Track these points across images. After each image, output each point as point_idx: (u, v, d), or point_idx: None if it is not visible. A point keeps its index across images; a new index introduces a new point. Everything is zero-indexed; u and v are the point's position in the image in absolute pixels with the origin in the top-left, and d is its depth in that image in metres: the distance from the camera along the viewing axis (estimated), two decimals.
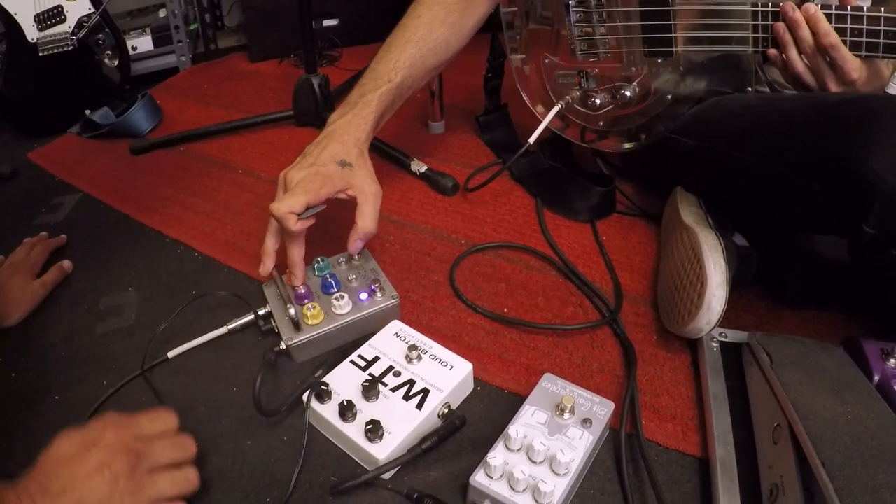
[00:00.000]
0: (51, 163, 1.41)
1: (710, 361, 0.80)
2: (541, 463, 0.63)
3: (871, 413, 0.65)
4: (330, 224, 0.96)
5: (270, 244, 0.85)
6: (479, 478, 0.62)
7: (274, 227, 0.84)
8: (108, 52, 1.57)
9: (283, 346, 0.80)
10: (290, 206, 0.80)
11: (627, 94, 1.03)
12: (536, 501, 0.59)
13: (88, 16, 1.51)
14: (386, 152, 1.28)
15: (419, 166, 1.22)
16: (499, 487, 0.61)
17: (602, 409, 0.69)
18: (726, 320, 0.79)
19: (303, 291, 0.84)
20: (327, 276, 0.86)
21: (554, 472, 0.62)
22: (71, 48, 1.50)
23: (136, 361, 0.83)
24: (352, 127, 0.90)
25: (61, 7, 1.49)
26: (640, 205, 1.13)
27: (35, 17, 1.49)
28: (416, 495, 0.64)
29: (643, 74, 1.03)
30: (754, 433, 0.70)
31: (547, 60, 1.10)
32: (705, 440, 0.72)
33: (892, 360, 0.73)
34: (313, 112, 1.41)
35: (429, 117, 1.39)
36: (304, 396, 0.72)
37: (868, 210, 0.68)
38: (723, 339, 0.82)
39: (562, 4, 1.02)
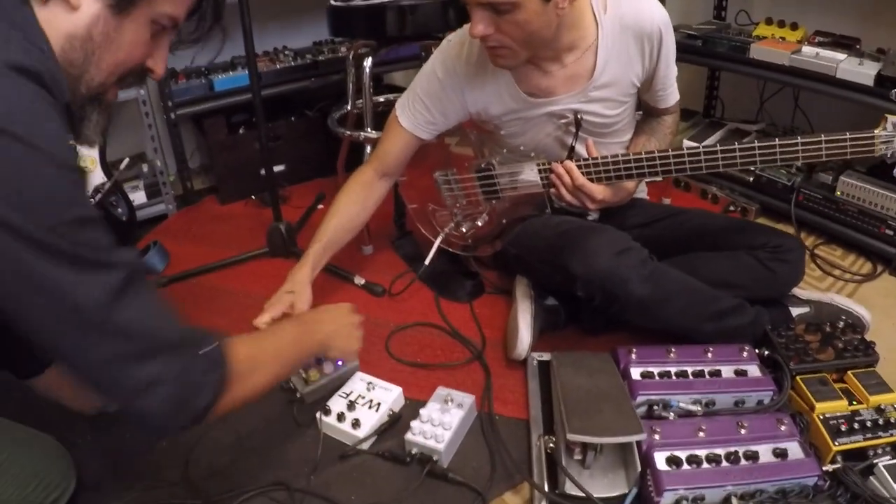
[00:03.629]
0: None
1: (530, 371, 1.64)
2: (437, 425, 1.42)
3: (607, 383, 1.45)
4: None
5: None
6: (408, 435, 1.42)
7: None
8: (120, 209, 2.22)
9: (299, 394, 1.59)
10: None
11: (479, 222, 1.87)
12: (437, 441, 1.39)
13: (103, 184, 2.13)
14: (338, 273, 2.10)
15: (360, 280, 2.06)
16: (418, 438, 1.40)
17: (467, 398, 1.51)
18: (551, 347, 1.66)
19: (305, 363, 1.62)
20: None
21: (444, 428, 1.41)
22: None
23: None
24: (299, 273, 1.72)
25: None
26: (502, 286, 1.98)
27: None
28: (381, 452, 1.43)
29: (488, 209, 1.86)
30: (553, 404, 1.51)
31: (430, 207, 1.94)
32: (529, 411, 1.52)
33: (632, 356, 1.54)
34: (283, 248, 2.18)
35: (362, 243, 2.22)
36: (318, 414, 1.51)
37: (574, 285, 1.55)
38: (540, 358, 1.66)
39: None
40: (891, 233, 2.13)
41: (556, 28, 1.52)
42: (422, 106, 1.76)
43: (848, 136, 1.46)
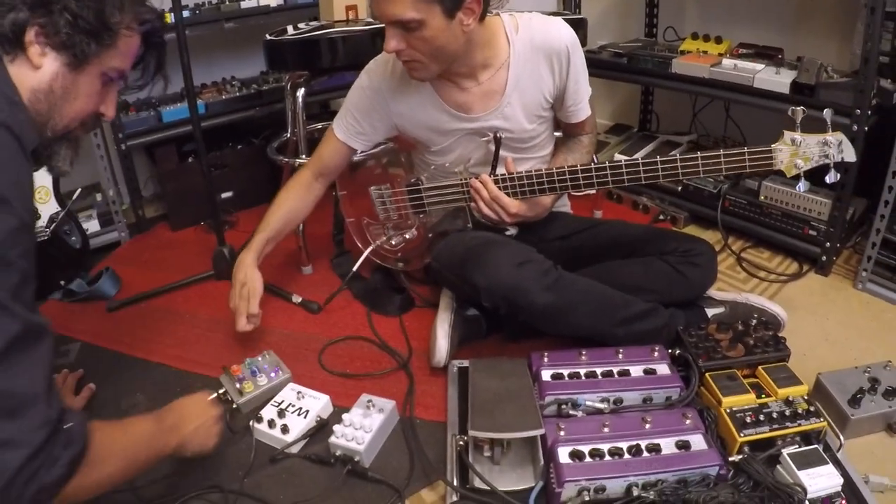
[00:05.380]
0: None
1: (451, 378, 1.77)
2: (358, 429, 1.56)
3: (516, 385, 1.59)
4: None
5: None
6: (331, 438, 1.55)
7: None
8: (73, 237, 2.31)
9: (235, 405, 1.72)
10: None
11: (408, 236, 2.02)
12: (357, 443, 1.52)
13: (57, 213, 2.21)
14: (276, 292, 2.24)
15: (297, 298, 2.20)
16: (341, 441, 1.54)
17: (388, 404, 1.65)
18: (473, 355, 1.81)
19: (241, 376, 1.77)
20: (252, 367, 1.80)
21: (364, 431, 1.55)
22: (46, 237, 2.19)
23: None
24: (246, 258, 1.91)
25: (36, 208, 2.08)
26: (431, 299, 2.12)
27: None
28: (308, 455, 1.57)
29: (416, 223, 2.01)
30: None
31: (365, 221, 2.09)
32: (447, 414, 1.67)
33: (544, 359, 1.67)
34: (227, 271, 2.25)
35: (301, 264, 2.38)
36: (251, 422, 1.64)
37: (479, 295, 1.69)
38: (460, 365, 1.80)
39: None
40: (814, 233, 2.29)
41: (466, 44, 1.68)
42: (352, 118, 1.93)
43: (746, 150, 1.60)
